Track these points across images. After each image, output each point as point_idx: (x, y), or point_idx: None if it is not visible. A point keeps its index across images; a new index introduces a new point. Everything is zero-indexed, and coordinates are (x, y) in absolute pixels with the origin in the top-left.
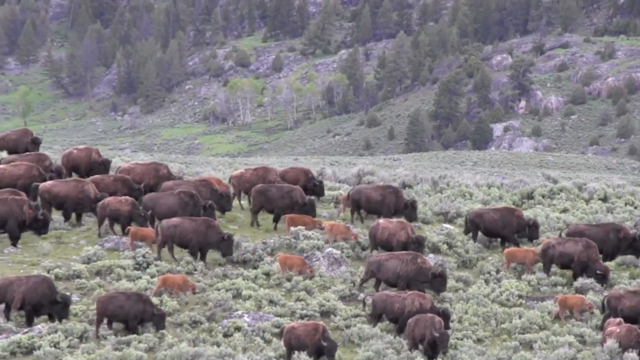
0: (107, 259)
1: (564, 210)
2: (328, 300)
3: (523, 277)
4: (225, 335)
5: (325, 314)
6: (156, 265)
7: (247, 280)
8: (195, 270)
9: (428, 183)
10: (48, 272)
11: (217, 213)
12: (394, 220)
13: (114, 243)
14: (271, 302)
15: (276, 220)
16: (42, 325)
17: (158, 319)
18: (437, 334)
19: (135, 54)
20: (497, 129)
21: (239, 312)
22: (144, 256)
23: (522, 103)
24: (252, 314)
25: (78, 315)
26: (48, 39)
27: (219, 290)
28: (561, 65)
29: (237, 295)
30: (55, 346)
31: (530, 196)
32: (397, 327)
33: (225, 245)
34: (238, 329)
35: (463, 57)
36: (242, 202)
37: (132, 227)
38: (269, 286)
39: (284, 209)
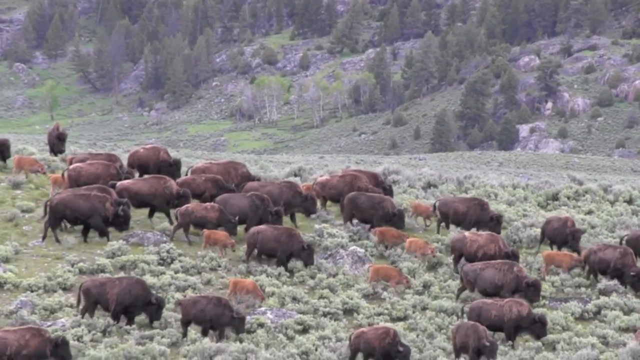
0: (132, 254)
1: (589, 212)
2: (351, 298)
3: (547, 278)
4: (248, 332)
5: (348, 311)
6: (180, 261)
7: (271, 277)
8: (219, 266)
9: (453, 183)
10: (72, 266)
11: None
12: (483, 232)
13: (139, 238)
14: (294, 299)
15: (371, 226)
16: (65, 319)
17: (238, 323)
18: (487, 343)
19: (163, 50)
20: (524, 130)
21: (262, 309)
22: (168, 251)
23: (549, 104)
24: (275, 311)
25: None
26: (76, 33)
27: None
28: (588, 67)
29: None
30: (78, 340)
31: (555, 197)
32: (505, 335)
33: (306, 254)
34: (261, 325)
35: (490, 57)
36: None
37: (207, 230)
38: (293, 283)
39: (378, 220)
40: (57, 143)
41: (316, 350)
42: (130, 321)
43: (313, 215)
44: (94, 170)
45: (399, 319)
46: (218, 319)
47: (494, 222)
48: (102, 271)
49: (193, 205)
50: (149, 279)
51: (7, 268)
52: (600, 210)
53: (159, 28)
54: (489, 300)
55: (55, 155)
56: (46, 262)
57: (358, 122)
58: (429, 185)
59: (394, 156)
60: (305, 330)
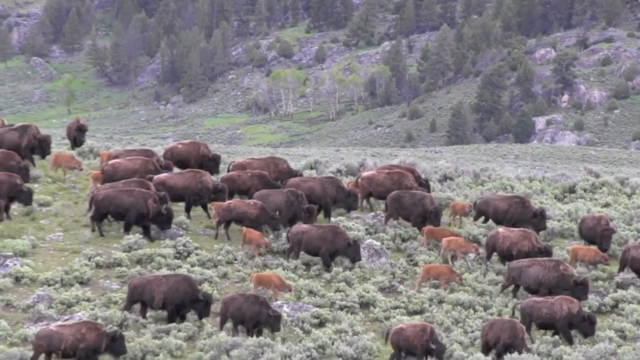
0: (148, 248)
1: (606, 205)
2: (368, 292)
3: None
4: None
5: (365, 305)
6: (197, 255)
7: (287, 270)
8: (236, 260)
9: (469, 175)
10: (89, 259)
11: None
12: (516, 229)
13: (155, 232)
14: (311, 292)
15: (416, 225)
16: (82, 313)
17: (273, 321)
18: (523, 341)
19: (179, 43)
20: (540, 122)
21: (279, 302)
22: (184, 245)
23: (565, 97)
24: (292, 304)
25: (118, 303)
26: (93, 27)
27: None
28: (605, 59)
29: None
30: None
31: (572, 190)
32: (552, 333)
33: (353, 250)
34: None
35: (506, 50)
36: (365, 204)
37: (244, 228)
38: (309, 277)
39: (416, 217)
40: (78, 135)
41: (333, 344)
42: (182, 318)
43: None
44: (132, 166)
45: (416, 313)
46: (256, 317)
47: (538, 218)
48: (119, 265)
49: (234, 201)
50: (165, 273)
51: (24, 262)
52: (617, 203)
53: (176, 21)
54: (540, 299)
55: (77, 147)
56: (63, 256)
57: (374, 115)
58: (445, 178)
59: (410, 149)
60: (321, 324)
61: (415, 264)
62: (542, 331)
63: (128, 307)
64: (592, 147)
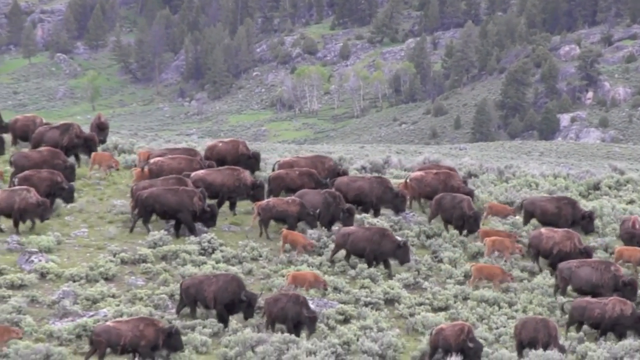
0: (173, 244)
1: (630, 202)
2: (392, 288)
3: None
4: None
5: (390, 301)
6: (222, 251)
7: (312, 267)
8: (261, 256)
9: (494, 173)
10: (114, 256)
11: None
12: (559, 229)
13: (180, 228)
14: (335, 289)
15: (457, 229)
16: (107, 309)
17: (310, 322)
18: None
19: (203, 40)
20: (564, 119)
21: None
22: (209, 241)
23: (590, 94)
24: (317, 301)
25: (143, 299)
26: (117, 24)
27: (283, 276)
28: (629, 56)
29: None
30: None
31: (596, 187)
32: (599, 333)
33: (402, 252)
34: None
35: (531, 47)
36: (415, 205)
37: (285, 230)
38: (334, 273)
39: (457, 220)
40: (98, 133)
41: (357, 340)
42: (224, 320)
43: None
44: (176, 165)
45: (440, 309)
46: (297, 317)
47: (586, 220)
48: (144, 261)
49: (273, 199)
50: (190, 269)
51: (50, 258)
52: None
53: (200, 18)
54: (592, 299)
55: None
56: (88, 252)
57: (398, 112)
58: (469, 175)
59: (434, 146)
60: (346, 320)
61: (440, 261)
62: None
63: (180, 309)
64: (616, 144)
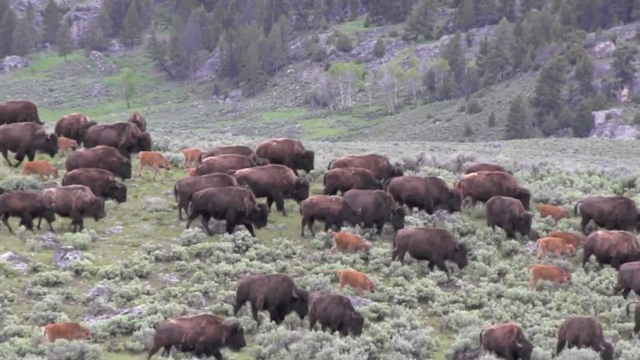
0: (207, 241)
1: None
2: (426, 286)
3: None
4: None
5: (423, 299)
6: (255, 249)
7: (345, 264)
8: (294, 253)
9: (528, 170)
10: (148, 253)
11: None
12: (616, 231)
13: (214, 226)
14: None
15: (507, 232)
16: (141, 306)
17: (355, 324)
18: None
19: (238, 37)
20: (599, 116)
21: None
22: (243, 239)
23: (625, 91)
24: (350, 298)
25: (177, 296)
26: (152, 21)
27: (317, 274)
28: None
29: (336, 279)
30: (154, 327)
31: (631, 184)
32: None
33: (459, 255)
34: None
35: (566, 44)
36: (465, 206)
37: (337, 233)
38: (367, 271)
39: (507, 223)
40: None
41: (391, 338)
42: (280, 318)
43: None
44: (228, 163)
45: (474, 307)
46: (340, 318)
47: None
48: (178, 259)
49: (317, 197)
50: (224, 267)
51: (85, 255)
52: None
53: (234, 15)
54: None
55: None
56: (123, 250)
57: (432, 109)
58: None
59: (469, 143)
60: (380, 318)
61: (474, 258)
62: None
63: (238, 307)
64: None
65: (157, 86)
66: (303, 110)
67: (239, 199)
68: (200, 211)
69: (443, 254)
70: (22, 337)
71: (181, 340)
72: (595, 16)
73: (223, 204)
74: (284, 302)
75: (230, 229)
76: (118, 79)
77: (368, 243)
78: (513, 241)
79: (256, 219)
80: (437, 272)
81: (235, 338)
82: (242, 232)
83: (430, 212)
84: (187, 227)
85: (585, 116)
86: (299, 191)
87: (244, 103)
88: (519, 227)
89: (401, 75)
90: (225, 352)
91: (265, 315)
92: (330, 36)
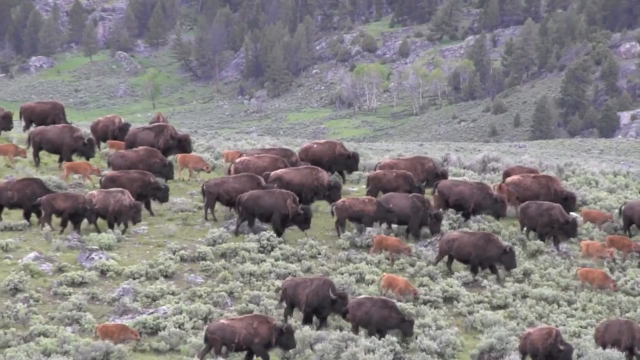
0: (232, 242)
1: None
2: (451, 286)
3: None
4: (348, 320)
5: (448, 299)
6: (280, 249)
7: (371, 264)
8: (319, 254)
9: (554, 170)
10: (173, 253)
11: None
12: None
13: (239, 226)
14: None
15: (541, 239)
16: (167, 307)
17: (406, 325)
18: None
19: (263, 38)
20: (625, 117)
21: (362, 297)
22: (268, 239)
23: None
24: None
25: (202, 297)
26: (177, 22)
27: (342, 274)
28: None
29: (360, 280)
30: (179, 327)
31: None
32: None
33: (508, 258)
34: None
35: (591, 44)
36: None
37: (377, 235)
38: (392, 271)
39: (542, 227)
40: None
41: (416, 338)
42: (322, 321)
43: None
44: (262, 164)
45: (499, 307)
46: (384, 321)
47: None
48: (203, 259)
49: (349, 199)
50: (249, 267)
51: (110, 255)
52: None
53: (260, 16)
54: None
55: None
56: (148, 250)
57: (457, 110)
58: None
59: (494, 144)
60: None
61: None
62: None
63: (289, 310)
64: None
65: (182, 87)
66: (328, 110)
67: (282, 202)
68: (249, 214)
69: (486, 257)
70: (47, 337)
71: (234, 340)
72: (621, 17)
73: (268, 206)
74: (323, 304)
75: (277, 232)
76: (143, 79)
77: (409, 245)
78: (538, 241)
79: (299, 222)
80: (463, 272)
81: (285, 339)
82: (267, 233)
83: (469, 215)
84: (236, 234)
85: (610, 117)
86: (330, 192)
87: (269, 103)
88: (563, 232)
89: (426, 76)
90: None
91: (290, 316)
92: (356, 37)
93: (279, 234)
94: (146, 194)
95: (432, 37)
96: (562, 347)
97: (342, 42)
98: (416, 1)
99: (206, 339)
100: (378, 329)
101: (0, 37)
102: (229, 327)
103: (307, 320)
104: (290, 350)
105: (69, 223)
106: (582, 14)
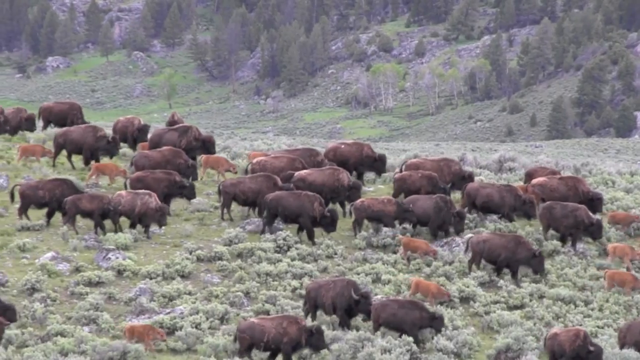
0: (249, 242)
1: None
2: (467, 286)
3: None
4: (364, 320)
5: (465, 299)
6: (297, 249)
7: (387, 264)
8: (336, 254)
9: (570, 170)
10: (190, 253)
11: None
12: None
13: (255, 226)
14: (410, 287)
15: (562, 240)
16: (183, 307)
17: (438, 324)
18: None
19: (279, 38)
20: None
21: (378, 297)
22: (284, 239)
23: None
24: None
25: (219, 297)
26: (193, 22)
27: (358, 274)
28: None
29: (377, 280)
30: (196, 327)
31: None
32: None
33: (537, 261)
34: None
35: (607, 44)
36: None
37: (405, 238)
38: (408, 271)
39: (565, 229)
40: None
41: (432, 338)
42: (346, 324)
43: None
44: (279, 164)
45: (516, 307)
46: (413, 322)
47: None
48: (220, 259)
49: (368, 200)
50: (265, 267)
51: (127, 256)
52: None
53: (275, 16)
54: None
55: None
56: (164, 250)
57: (474, 110)
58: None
59: (510, 143)
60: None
61: None
62: None
63: (313, 312)
64: None
65: (198, 87)
66: (344, 110)
67: (309, 204)
68: (273, 214)
69: (516, 260)
70: (64, 337)
71: (263, 340)
72: (637, 16)
73: (293, 208)
74: (350, 306)
75: (309, 235)
76: (160, 79)
77: (436, 248)
78: (555, 241)
79: (326, 224)
80: (479, 273)
81: (315, 339)
82: (283, 233)
83: (504, 216)
84: (262, 233)
85: (627, 116)
86: (350, 193)
87: (285, 103)
88: (588, 233)
89: (442, 76)
90: (266, 353)
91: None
92: (372, 37)
93: (311, 237)
94: (173, 194)
95: (448, 37)
96: (591, 349)
97: (358, 42)
98: (432, 1)
99: (238, 339)
100: (404, 331)
101: (17, 37)
102: (258, 326)
103: (343, 324)
104: (307, 350)
105: (92, 223)
106: (598, 13)
